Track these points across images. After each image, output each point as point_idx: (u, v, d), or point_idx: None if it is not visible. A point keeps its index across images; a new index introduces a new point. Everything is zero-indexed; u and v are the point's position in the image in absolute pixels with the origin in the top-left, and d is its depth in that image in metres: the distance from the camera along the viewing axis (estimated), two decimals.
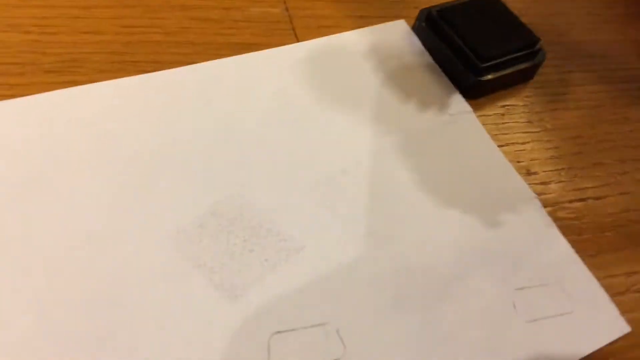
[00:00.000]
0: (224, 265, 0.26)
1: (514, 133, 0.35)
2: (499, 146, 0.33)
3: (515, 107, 0.36)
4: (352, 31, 0.37)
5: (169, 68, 0.33)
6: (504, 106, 0.36)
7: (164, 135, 0.30)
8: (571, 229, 0.31)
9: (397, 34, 0.38)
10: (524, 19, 0.38)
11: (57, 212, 0.26)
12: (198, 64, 0.33)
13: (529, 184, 0.32)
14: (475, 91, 0.36)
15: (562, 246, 0.30)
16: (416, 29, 0.38)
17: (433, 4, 0.38)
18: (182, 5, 0.36)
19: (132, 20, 0.34)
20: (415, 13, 0.40)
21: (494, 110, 0.36)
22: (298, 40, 0.36)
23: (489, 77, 0.35)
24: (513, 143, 0.34)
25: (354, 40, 0.37)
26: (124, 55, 0.33)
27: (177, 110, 0.31)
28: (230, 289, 0.26)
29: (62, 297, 0.24)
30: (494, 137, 0.34)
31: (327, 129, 0.32)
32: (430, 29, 0.37)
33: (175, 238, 0.27)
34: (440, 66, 0.37)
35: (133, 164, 0.29)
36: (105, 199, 0.27)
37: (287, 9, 0.38)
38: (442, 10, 0.37)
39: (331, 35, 0.37)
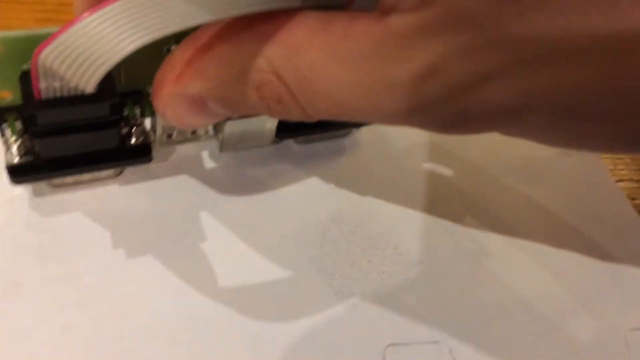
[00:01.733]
0: (344, 273, 0.28)
1: (630, 169, 0.34)
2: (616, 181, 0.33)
3: None
4: None
5: None
6: None
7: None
8: None
9: None
10: None
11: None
12: None
13: None
14: None
15: None
16: None
17: None
18: None
19: None
20: None
21: None
22: None
23: None
24: (629, 179, 0.34)
25: None
26: None
27: None
28: (349, 296, 0.27)
29: (201, 280, 0.26)
30: (610, 171, 0.34)
31: (446, 146, 0.33)
32: None
33: (297, 241, 0.28)
34: None
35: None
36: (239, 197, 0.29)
37: None
38: None
39: None
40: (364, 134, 0.32)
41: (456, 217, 0.30)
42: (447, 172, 0.32)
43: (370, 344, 0.26)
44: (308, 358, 0.25)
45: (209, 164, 0.30)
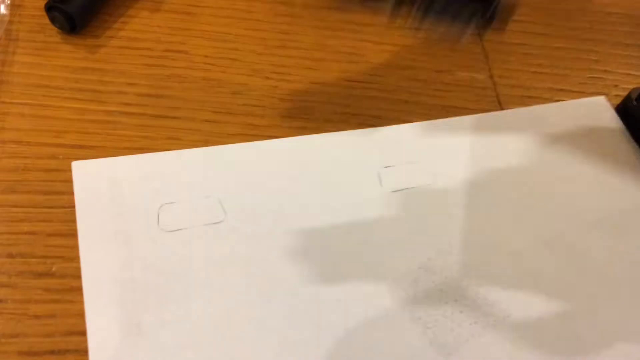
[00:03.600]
0: (437, 322, 0.29)
1: None
2: None
3: None
4: (554, 103, 0.39)
5: (386, 124, 0.36)
6: None
7: (381, 188, 0.33)
8: None
9: (598, 111, 0.39)
10: None
11: (288, 248, 0.30)
12: (412, 124, 0.36)
13: None
14: None
15: None
16: (621, 106, 0.39)
17: (637, 85, 0.39)
18: (398, 65, 0.39)
19: (355, 75, 0.38)
20: (614, 91, 0.40)
21: None
22: (502, 108, 0.38)
23: None
24: None
25: (556, 112, 0.38)
26: (347, 108, 0.36)
27: (393, 166, 0.34)
28: (444, 346, 0.28)
29: (294, 326, 0.27)
30: None
31: (528, 198, 0.34)
32: (638, 109, 0.38)
33: (391, 289, 0.29)
34: None
35: (353, 211, 0.32)
36: (330, 241, 0.30)
37: (491, 77, 0.39)
38: None
39: (534, 106, 0.38)
40: (447, 187, 0.34)
41: (543, 269, 0.31)
42: (532, 222, 0.33)
43: None
44: None
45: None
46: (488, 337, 0.28)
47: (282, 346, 0.27)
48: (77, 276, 0.27)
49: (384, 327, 0.28)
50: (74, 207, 0.29)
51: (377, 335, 0.28)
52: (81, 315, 0.26)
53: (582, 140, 0.37)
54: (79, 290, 0.26)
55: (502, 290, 0.30)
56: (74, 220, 0.28)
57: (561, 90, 0.40)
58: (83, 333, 0.25)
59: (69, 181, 0.30)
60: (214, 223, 0.30)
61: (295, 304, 0.28)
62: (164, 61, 0.36)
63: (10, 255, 0.27)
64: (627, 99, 0.39)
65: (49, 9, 0.35)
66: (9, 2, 0.36)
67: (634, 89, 0.39)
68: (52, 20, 0.35)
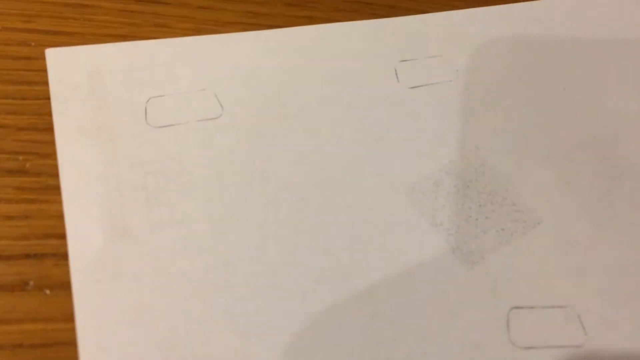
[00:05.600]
0: (460, 229, 0.26)
1: None
2: None
3: None
4: None
5: (401, 14, 0.31)
6: None
7: (397, 84, 0.29)
8: None
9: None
10: None
11: (298, 147, 0.26)
12: (431, 14, 0.32)
13: None
14: None
15: None
16: None
17: None
18: None
19: None
20: None
21: None
22: None
23: None
24: None
25: (596, 4, 0.34)
26: None
27: (411, 60, 0.30)
28: (467, 254, 0.25)
29: (296, 234, 0.24)
30: None
31: (563, 98, 0.30)
32: None
33: (410, 192, 0.26)
34: None
35: (368, 109, 0.28)
36: (342, 142, 0.27)
37: None
38: None
39: None
40: (472, 84, 0.30)
41: (578, 172, 0.28)
42: (567, 122, 0.29)
43: (493, 306, 0.24)
44: (425, 318, 0.23)
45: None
46: (516, 245, 0.26)
47: (287, 253, 0.24)
48: (54, 174, 0.24)
49: (400, 233, 0.25)
50: (49, 99, 0.25)
51: (393, 242, 0.25)
52: (60, 216, 0.23)
53: (623, 33, 0.33)
54: (56, 189, 0.23)
55: (532, 195, 0.27)
56: (49, 114, 0.25)
57: None
58: (62, 236, 0.22)
59: (43, 70, 0.26)
60: (210, 119, 0.26)
61: (303, 208, 0.25)
62: None
63: None
64: None
65: None
66: None
67: None
68: None
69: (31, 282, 0.22)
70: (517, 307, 0.24)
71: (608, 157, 0.28)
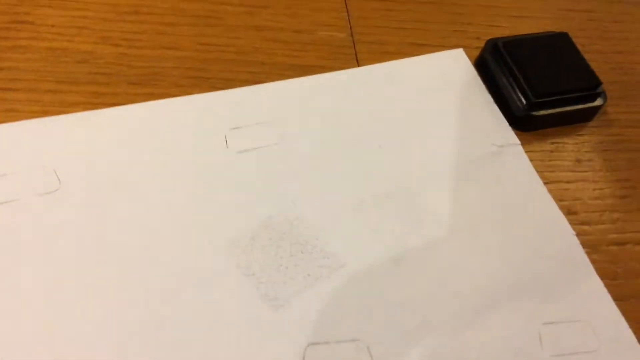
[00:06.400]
0: (271, 277, 0.29)
1: (561, 171, 0.36)
2: (543, 183, 0.35)
3: (565, 144, 0.37)
4: (410, 58, 0.39)
5: (239, 86, 0.36)
6: (553, 143, 0.37)
7: (226, 150, 0.33)
8: (606, 272, 0.32)
9: (455, 63, 0.39)
10: (587, 55, 0.38)
11: (129, 214, 0.30)
12: (263, 84, 0.36)
13: (570, 223, 0.33)
14: (526, 125, 0.37)
15: (595, 285, 0.31)
16: (478, 58, 0.40)
17: (498, 35, 0.40)
18: (257, 26, 0.39)
19: (211, 39, 0.37)
20: (475, 43, 0.41)
21: (543, 146, 0.37)
22: (359, 65, 0.38)
23: (541, 112, 0.37)
24: (558, 181, 0.35)
25: (412, 67, 0.39)
26: (199, 72, 0.36)
27: (241, 128, 0.34)
28: (274, 299, 0.29)
29: (121, 293, 0.28)
30: (539, 173, 0.35)
31: (378, 152, 0.34)
32: (492, 60, 0.38)
33: (229, 247, 0.30)
34: (495, 97, 0.38)
35: (197, 174, 0.32)
36: (170, 206, 0.31)
37: (352, 34, 0.40)
38: (508, 42, 0.39)
39: (389, 62, 0.39)
40: (295, 145, 0.34)
41: (384, 219, 0.32)
42: (376, 175, 0.33)
43: (291, 344, 0.28)
44: (230, 358, 0.27)
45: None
46: (320, 288, 0.29)
47: (111, 309, 0.27)
48: None
49: (215, 285, 0.29)
50: None
51: (208, 294, 0.28)
52: None
53: (435, 93, 0.38)
54: None
55: (340, 242, 0.31)
56: None
57: (423, 45, 0.41)
58: None
59: None
60: (47, 193, 0.30)
61: (129, 269, 0.29)
62: (7, 33, 0.35)
63: None
64: (483, 50, 0.40)
65: None
66: None
67: (488, 40, 0.40)
68: None
69: None
70: (313, 344, 0.28)
71: (412, 205, 0.33)
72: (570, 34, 0.40)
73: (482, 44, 0.40)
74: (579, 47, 0.39)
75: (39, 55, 0.35)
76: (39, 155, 0.31)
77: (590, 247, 0.33)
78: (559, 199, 0.34)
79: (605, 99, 0.38)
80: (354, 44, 0.39)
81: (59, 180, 0.30)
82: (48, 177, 0.30)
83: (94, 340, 0.26)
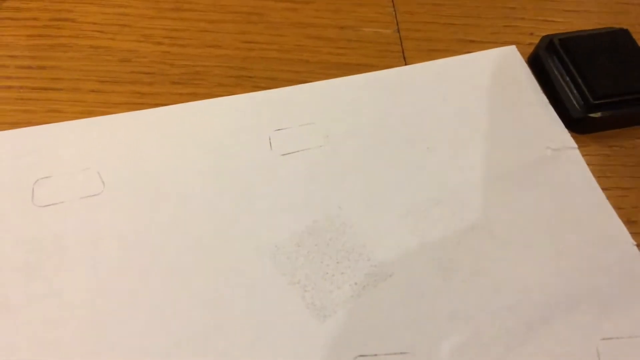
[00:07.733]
0: (317, 285, 0.29)
1: (619, 177, 0.34)
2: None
3: (624, 148, 0.35)
4: (460, 56, 0.38)
5: (282, 85, 0.35)
6: (611, 146, 0.35)
7: (270, 152, 0.32)
8: None
9: (507, 61, 0.38)
10: None
11: (172, 217, 0.29)
12: (307, 84, 0.35)
13: (630, 233, 0.31)
14: (582, 127, 0.35)
15: None
16: (532, 56, 0.38)
17: (552, 31, 0.38)
18: (300, 23, 0.38)
19: (253, 36, 0.37)
20: (528, 39, 0.39)
21: (600, 149, 0.35)
22: (406, 63, 0.37)
23: (599, 114, 0.35)
24: (616, 187, 0.34)
25: (462, 65, 0.37)
26: (242, 71, 0.35)
27: (285, 129, 0.33)
28: (320, 308, 0.28)
29: (165, 299, 0.27)
30: (596, 179, 0.33)
31: (426, 156, 0.33)
32: (548, 57, 0.37)
33: (273, 253, 0.29)
34: (550, 97, 0.36)
35: (241, 178, 0.31)
36: (214, 210, 0.30)
37: (398, 30, 0.38)
38: (565, 39, 0.37)
39: (438, 60, 0.37)
40: (340, 148, 0.33)
41: (432, 228, 0.31)
42: (425, 181, 0.32)
43: (339, 356, 0.27)
44: None
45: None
46: (366, 298, 0.28)
47: (154, 317, 0.27)
48: None
49: (260, 293, 0.28)
50: None
51: (253, 303, 0.28)
52: None
53: (487, 93, 0.36)
54: None
55: (387, 251, 0.30)
56: None
57: (473, 41, 0.39)
58: None
59: None
60: (91, 196, 0.30)
61: (172, 275, 0.28)
62: (49, 30, 0.35)
63: None
64: (538, 47, 0.38)
65: None
66: None
67: (543, 37, 0.38)
68: None
69: None
70: (361, 356, 0.27)
71: (461, 212, 0.31)
72: (629, 29, 0.38)
73: (535, 41, 0.39)
74: None
75: (81, 54, 0.34)
76: (83, 156, 0.30)
77: None
78: (617, 207, 0.33)
79: None
80: (400, 40, 0.38)
81: (102, 182, 0.30)
82: (92, 179, 0.30)
83: (137, 346, 0.26)
